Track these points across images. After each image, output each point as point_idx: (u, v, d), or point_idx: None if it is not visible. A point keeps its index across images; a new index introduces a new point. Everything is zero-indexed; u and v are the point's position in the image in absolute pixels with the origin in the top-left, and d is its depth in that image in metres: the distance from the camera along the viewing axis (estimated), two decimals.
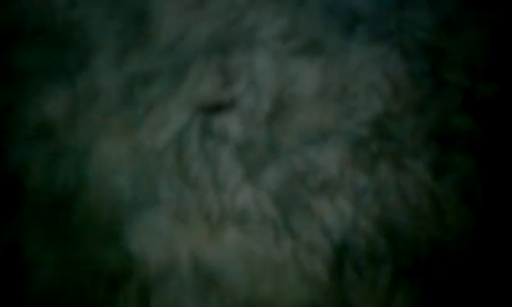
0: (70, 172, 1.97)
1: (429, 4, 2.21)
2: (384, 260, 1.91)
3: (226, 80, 2.12)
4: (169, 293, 1.81)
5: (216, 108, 2.08)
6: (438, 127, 2.05)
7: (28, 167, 1.98)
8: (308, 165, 2.01)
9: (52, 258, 1.83)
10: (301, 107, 2.09)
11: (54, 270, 1.82)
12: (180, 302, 1.80)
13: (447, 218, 1.95)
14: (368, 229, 1.95)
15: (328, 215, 1.96)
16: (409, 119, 2.07)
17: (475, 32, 2.16)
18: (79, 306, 1.77)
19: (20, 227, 1.90)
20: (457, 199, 1.97)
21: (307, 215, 1.96)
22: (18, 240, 1.87)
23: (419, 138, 2.04)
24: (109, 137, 2.03)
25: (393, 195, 1.98)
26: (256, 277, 1.85)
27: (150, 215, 1.93)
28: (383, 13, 2.19)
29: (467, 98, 2.09)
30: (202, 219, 1.93)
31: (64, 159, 1.99)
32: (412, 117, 2.07)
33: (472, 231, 1.94)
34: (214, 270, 1.86)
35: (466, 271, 1.89)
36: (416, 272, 1.90)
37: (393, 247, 1.93)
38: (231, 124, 2.06)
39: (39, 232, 1.88)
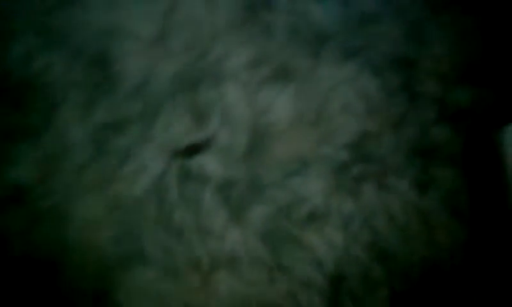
0: (50, 237, 1.90)
1: (394, 14, 2.18)
2: (379, 285, 1.90)
3: (198, 119, 2.06)
4: None
5: (192, 149, 2.03)
6: (417, 142, 2.04)
7: (4, 239, 1.91)
8: (292, 198, 1.98)
9: None
10: (278, 136, 2.05)
11: None
12: None
13: (436, 234, 1.94)
14: (360, 256, 1.93)
15: (319, 247, 1.93)
16: (388, 136, 2.04)
17: (444, 39, 2.15)
18: None
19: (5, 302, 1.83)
20: (444, 213, 1.96)
21: (297, 249, 1.93)
22: None
23: (400, 155, 2.02)
24: (86, 193, 1.97)
25: (381, 218, 1.96)
26: None
27: (138, 272, 1.88)
28: (348, 30, 2.15)
29: (443, 108, 2.07)
30: (192, 268, 1.89)
31: (42, 224, 1.92)
32: (390, 134, 2.05)
33: (463, 244, 1.93)
34: None
35: (461, 286, 1.89)
36: (412, 294, 1.89)
37: (387, 270, 1.91)
38: (209, 164, 2.01)
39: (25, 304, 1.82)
